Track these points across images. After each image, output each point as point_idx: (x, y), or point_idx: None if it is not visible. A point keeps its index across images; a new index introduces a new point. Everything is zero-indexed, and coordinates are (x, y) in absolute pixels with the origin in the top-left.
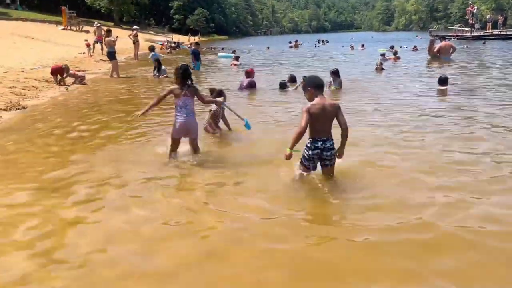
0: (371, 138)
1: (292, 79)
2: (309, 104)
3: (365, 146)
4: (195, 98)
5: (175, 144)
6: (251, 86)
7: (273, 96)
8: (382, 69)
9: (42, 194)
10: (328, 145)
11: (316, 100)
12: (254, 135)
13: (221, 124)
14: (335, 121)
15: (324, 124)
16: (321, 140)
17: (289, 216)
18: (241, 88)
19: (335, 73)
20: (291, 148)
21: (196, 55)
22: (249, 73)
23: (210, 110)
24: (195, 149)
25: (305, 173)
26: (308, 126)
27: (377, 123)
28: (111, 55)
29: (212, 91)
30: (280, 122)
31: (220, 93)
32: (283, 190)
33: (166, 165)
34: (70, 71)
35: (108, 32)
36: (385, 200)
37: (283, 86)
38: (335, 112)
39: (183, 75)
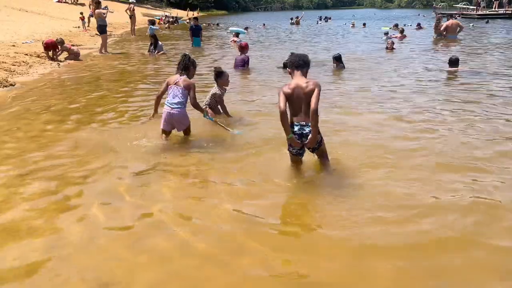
0: (381, 123)
1: None
2: (284, 85)
3: (373, 131)
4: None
5: (164, 133)
6: (244, 62)
7: (275, 76)
8: (393, 48)
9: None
10: (307, 130)
11: (293, 80)
12: (252, 118)
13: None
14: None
15: (299, 106)
16: (298, 124)
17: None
18: (236, 66)
19: (338, 59)
20: (287, 133)
21: (195, 30)
22: (243, 48)
23: (215, 93)
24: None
25: (293, 163)
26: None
27: (386, 106)
28: (101, 29)
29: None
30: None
31: (219, 73)
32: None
33: (150, 151)
34: (65, 45)
35: (98, 4)
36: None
37: (286, 66)
38: (311, 90)
39: (179, 65)
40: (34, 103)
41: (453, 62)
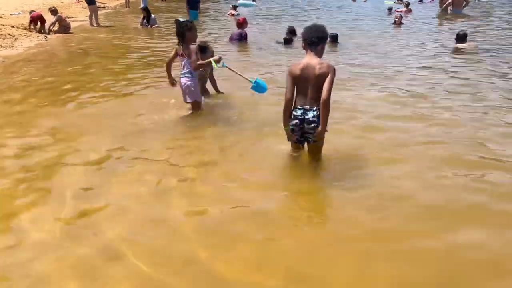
0: (393, 103)
1: (292, 32)
2: (292, 65)
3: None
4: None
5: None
6: (242, 37)
7: (272, 51)
8: (401, 23)
9: None
10: (310, 115)
11: (304, 59)
12: (249, 98)
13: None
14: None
15: (306, 88)
16: (302, 108)
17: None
18: (231, 39)
19: (335, 39)
20: (284, 125)
21: (193, 3)
22: (241, 24)
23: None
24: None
25: (294, 152)
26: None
27: (395, 86)
28: None
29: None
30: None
31: (202, 49)
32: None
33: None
34: (59, 14)
35: None
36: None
37: (287, 42)
38: (323, 75)
39: (176, 33)
40: (12, 79)
41: (461, 38)
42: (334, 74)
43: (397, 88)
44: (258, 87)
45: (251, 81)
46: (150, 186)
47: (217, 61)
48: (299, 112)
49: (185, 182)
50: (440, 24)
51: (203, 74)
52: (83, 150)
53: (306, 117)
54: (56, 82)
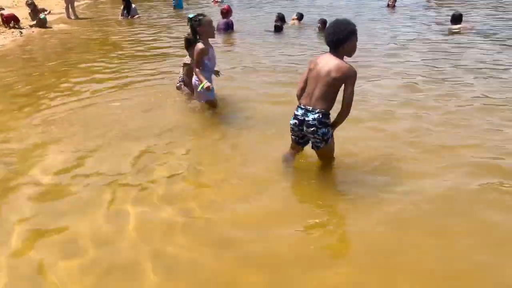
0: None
1: (281, 19)
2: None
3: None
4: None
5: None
6: (229, 27)
7: (263, 41)
8: (394, 6)
9: None
10: (310, 118)
11: (325, 54)
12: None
13: None
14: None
15: (314, 86)
16: (304, 108)
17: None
18: (218, 29)
19: (325, 24)
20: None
21: None
22: (226, 13)
23: (185, 64)
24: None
25: (291, 151)
26: None
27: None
28: None
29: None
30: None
31: (189, 40)
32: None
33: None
34: (41, 7)
35: None
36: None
37: (278, 29)
38: (338, 80)
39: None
40: None
41: (456, 19)
42: (354, 82)
43: (397, 76)
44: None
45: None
46: (126, 219)
47: (206, 88)
48: (300, 112)
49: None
50: (433, 4)
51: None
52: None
53: (306, 119)
54: (22, 82)
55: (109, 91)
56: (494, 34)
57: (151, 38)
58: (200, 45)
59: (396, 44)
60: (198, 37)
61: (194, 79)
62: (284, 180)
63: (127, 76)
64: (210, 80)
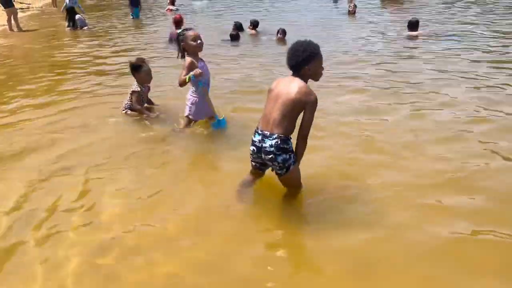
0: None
1: (239, 27)
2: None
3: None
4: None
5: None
6: None
7: (220, 50)
8: (355, 12)
9: None
10: (267, 144)
11: (287, 76)
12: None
13: None
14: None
15: (271, 110)
16: (261, 133)
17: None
18: (171, 40)
19: (285, 33)
20: None
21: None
22: (178, 22)
23: (133, 92)
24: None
25: (250, 177)
26: None
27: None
28: (5, 1)
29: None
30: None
31: (135, 67)
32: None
33: None
34: None
35: None
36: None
37: (234, 38)
38: (298, 103)
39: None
40: None
41: (413, 25)
42: (314, 107)
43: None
44: (218, 124)
45: (216, 118)
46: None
47: (198, 75)
48: (257, 138)
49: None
50: (388, 11)
51: (142, 94)
52: None
53: (264, 145)
54: None
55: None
56: (451, 38)
57: (96, 52)
58: (188, 59)
59: (351, 53)
60: (185, 53)
61: (189, 94)
62: (239, 210)
63: (62, 94)
64: (202, 96)
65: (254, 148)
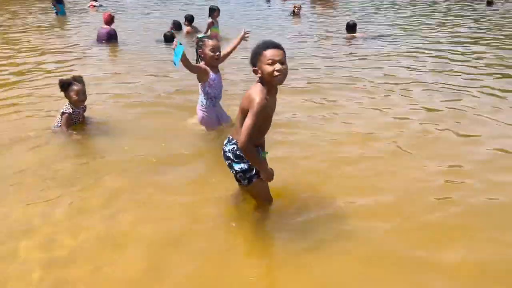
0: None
1: (177, 26)
2: None
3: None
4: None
5: None
6: (111, 35)
7: (153, 52)
8: (299, 14)
9: None
10: (227, 149)
11: None
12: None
13: None
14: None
15: (237, 115)
16: (228, 137)
17: None
18: (99, 39)
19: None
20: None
21: None
22: (108, 20)
23: (63, 113)
24: None
25: (238, 188)
26: None
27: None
28: None
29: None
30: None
31: (64, 85)
32: None
33: None
34: None
35: None
36: None
37: (168, 39)
38: (244, 108)
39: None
40: None
41: (351, 27)
42: (256, 111)
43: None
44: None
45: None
46: None
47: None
48: (225, 141)
49: None
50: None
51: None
52: None
53: (224, 149)
54: None
55: None
56: (387, 40)
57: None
58: (202, 65)
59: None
60: (201, 60)
61: (198, 107)
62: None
63: None
64: (211, 109)
65: (223, 151)
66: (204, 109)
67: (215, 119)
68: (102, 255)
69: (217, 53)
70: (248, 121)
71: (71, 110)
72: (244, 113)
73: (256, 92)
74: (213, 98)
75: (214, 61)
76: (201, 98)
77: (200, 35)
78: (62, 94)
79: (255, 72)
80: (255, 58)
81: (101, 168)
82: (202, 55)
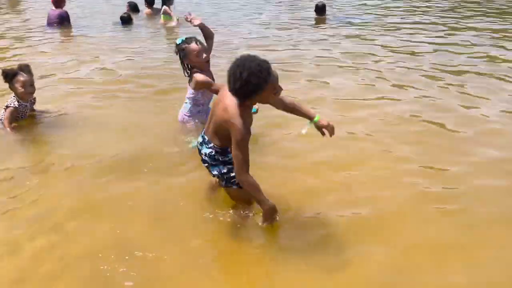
0: None
1: (133, 8)
2: None
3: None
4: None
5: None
6: (62, 17)
7: (109, 36)
8: None
9: None
10: (203, 152)
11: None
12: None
13: None
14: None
15: (211, 117)
16: (202, 136)
17: None
18: (49, 23)
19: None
20: None
21: None
22: (58, 2)
23: (7, 107)
24: None
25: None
26: None
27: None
28: None
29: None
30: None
31: (8, 75)
32: None
33: None
34: None
35: None
36: None
37: (126, 21)
38: (223, 124)
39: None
40: None
41: (320, 9)
42: (239, 137)
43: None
44: None
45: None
46: None
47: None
48: (200, 139)
49: None
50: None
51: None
52: None
53: (202, 151)
54: None
55: None
56: (354, 22)
57: None
58: (199, 77)
59: (258, 36)
60: (191, 68)
61: (182, 113)
62: None
63: None
64: (195, 114)
65: (198, 148)
66: (188, 114)
67: (196, 122)
68: None
69: (204, 55)
70: (237, 153)
71: (17, 104)
72: (220, 128)
73: (240, 113)
74: (200, 104)
75: (206, 65)
76: (187, 105)
77: (177, 41)
78: (6, 86)
79: (235, 94)
80: (255, 90)
81: (46, 170)
82: (191, 64)
